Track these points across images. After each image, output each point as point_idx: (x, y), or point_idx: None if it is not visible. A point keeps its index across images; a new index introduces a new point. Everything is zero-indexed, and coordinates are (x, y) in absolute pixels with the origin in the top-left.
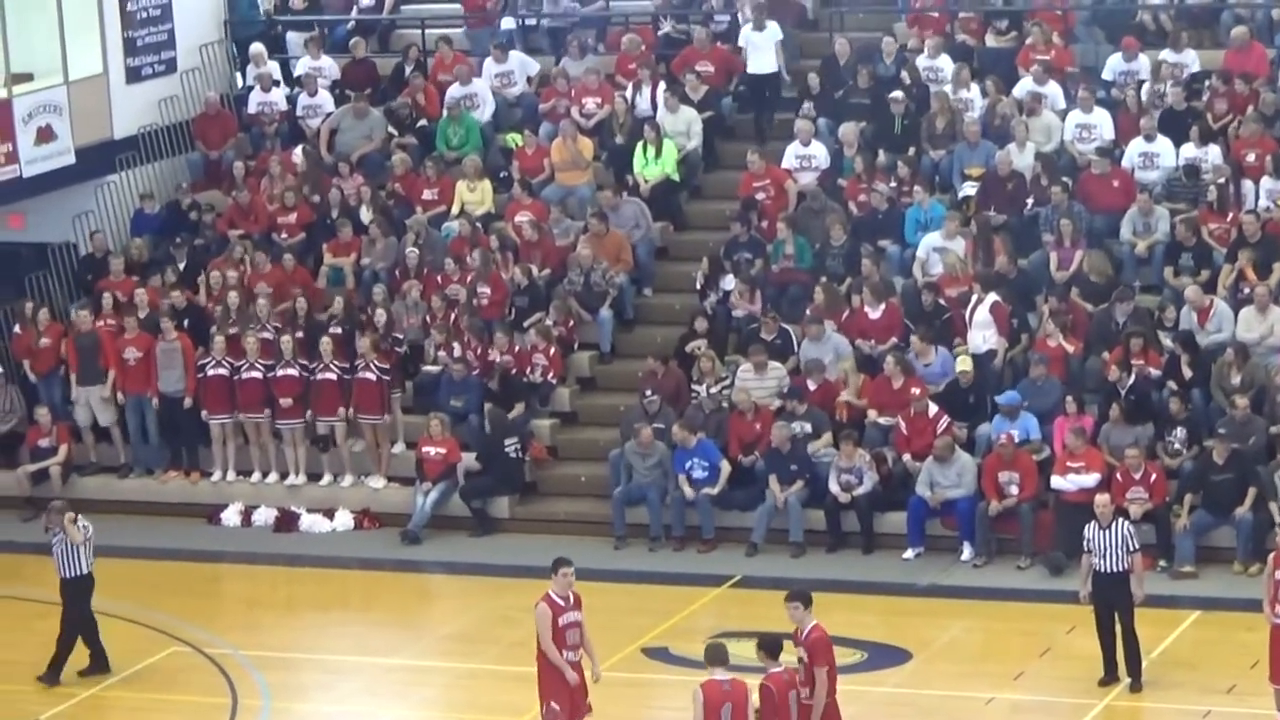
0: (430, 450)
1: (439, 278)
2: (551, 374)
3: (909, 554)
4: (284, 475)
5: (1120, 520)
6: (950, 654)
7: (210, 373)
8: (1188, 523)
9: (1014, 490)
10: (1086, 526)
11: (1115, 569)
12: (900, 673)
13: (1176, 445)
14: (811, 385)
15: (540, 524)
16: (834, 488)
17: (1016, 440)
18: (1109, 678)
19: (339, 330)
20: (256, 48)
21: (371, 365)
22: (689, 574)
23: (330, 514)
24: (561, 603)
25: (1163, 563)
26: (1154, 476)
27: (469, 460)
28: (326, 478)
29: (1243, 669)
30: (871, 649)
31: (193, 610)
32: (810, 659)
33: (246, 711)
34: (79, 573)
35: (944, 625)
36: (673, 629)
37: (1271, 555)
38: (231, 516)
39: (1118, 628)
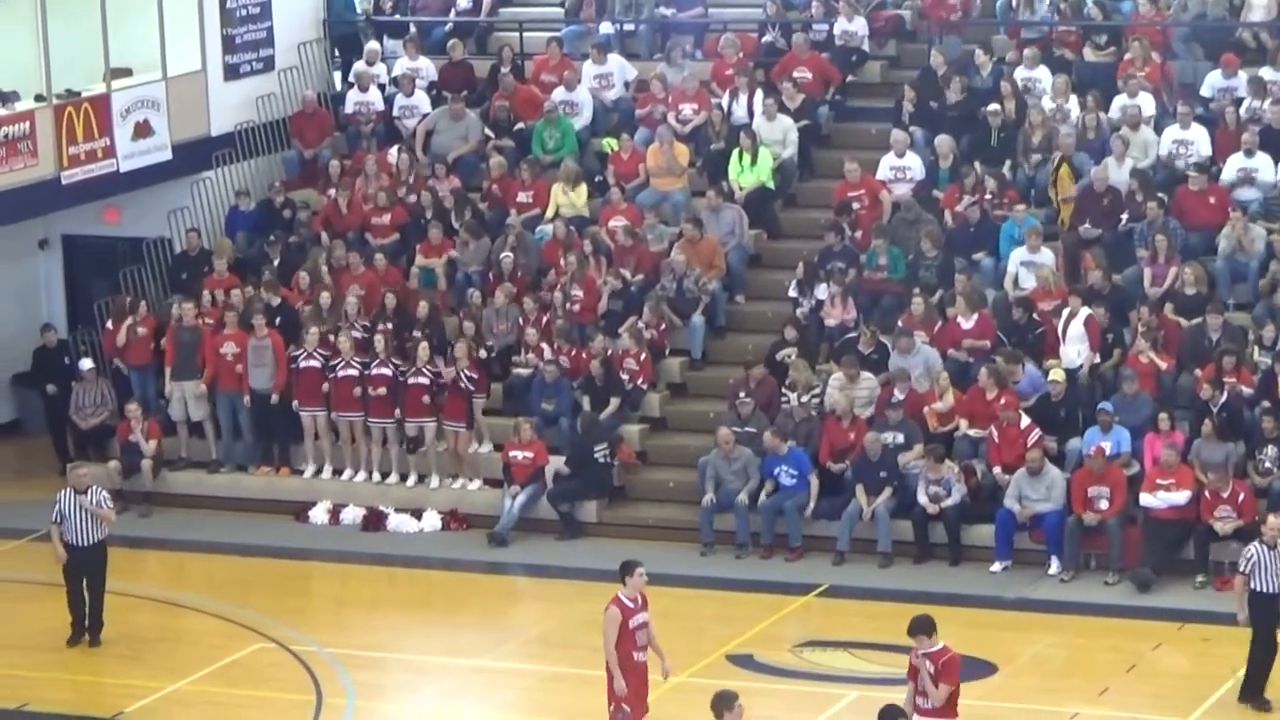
0: (518, 454)
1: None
2: (642, 379)
3: (996, 567)
4: (373, 475)
5: None
6: (1035, 668)
7: (303, 365)
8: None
9: (1103, 505)
10: (1249, 547)
11: (1277, 589)
12: (985, 686)
13: (1268, 464)
14: (899, 395)
15: (628, 529)
16: (922, 499)
17: (1107, 455)
18: (1260, 701)
19: (430, 333)
20: (372, 46)
21: (461, 374)
22: (775, 582)
23: (418, 514)
24: (631, 605)
25: None
26: (1242, 495)
27: (557, 463)
28: (414, 478)
29: None
30: None
31: (280, 607)
32: (937, 676)
33: (331, 710)
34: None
35: (1030, 639)
36: (758, 636)
37: None
38: (320, 514)
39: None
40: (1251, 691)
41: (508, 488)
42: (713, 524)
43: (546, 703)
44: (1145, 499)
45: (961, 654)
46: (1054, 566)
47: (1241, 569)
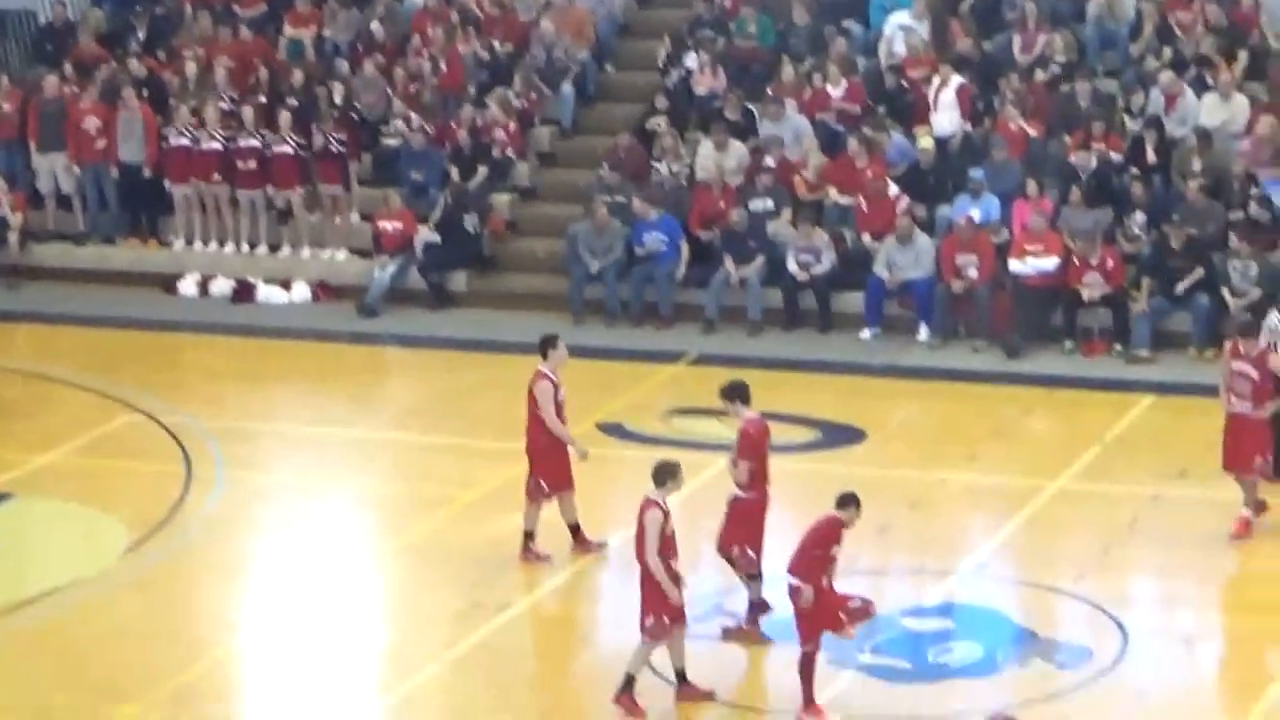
0: (387, 225)
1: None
2: (511, 149)
3: (865, 334)
4: (242, 246)
5: None
6: (904, 434)
7: (173, 143)
8: (1145, 308)
9: (972, 273)
10: (1270, 316)
11: None
12: (854, 452)
13: (1135, 230)
14: (770, 162)
15: (497, 298)
16: (792, 266)
17: (976, 222)
18: None
19: (296, 104)
20: None
21: (331, 138)
22: (645, 350)
23: (287, 285)
24: (557, 378)
25: (1118, 347)
26: (1110, 262)
27: (427, 233)
28: (285, 249)
29: (1195, 454)
30: (826, 428)
31: (149, 379)
32: (736, 451)
33: (201, 481)
34: None
35: (898, 406)
36: (628, 404)
37: (1227, 344)
38: (189, 286)
39: None
40: None
41: (377, 258)
42: (583, 293)
43: (418, 472)
44: (1014, 266)
45: (830, 421)
46: (923, 333)
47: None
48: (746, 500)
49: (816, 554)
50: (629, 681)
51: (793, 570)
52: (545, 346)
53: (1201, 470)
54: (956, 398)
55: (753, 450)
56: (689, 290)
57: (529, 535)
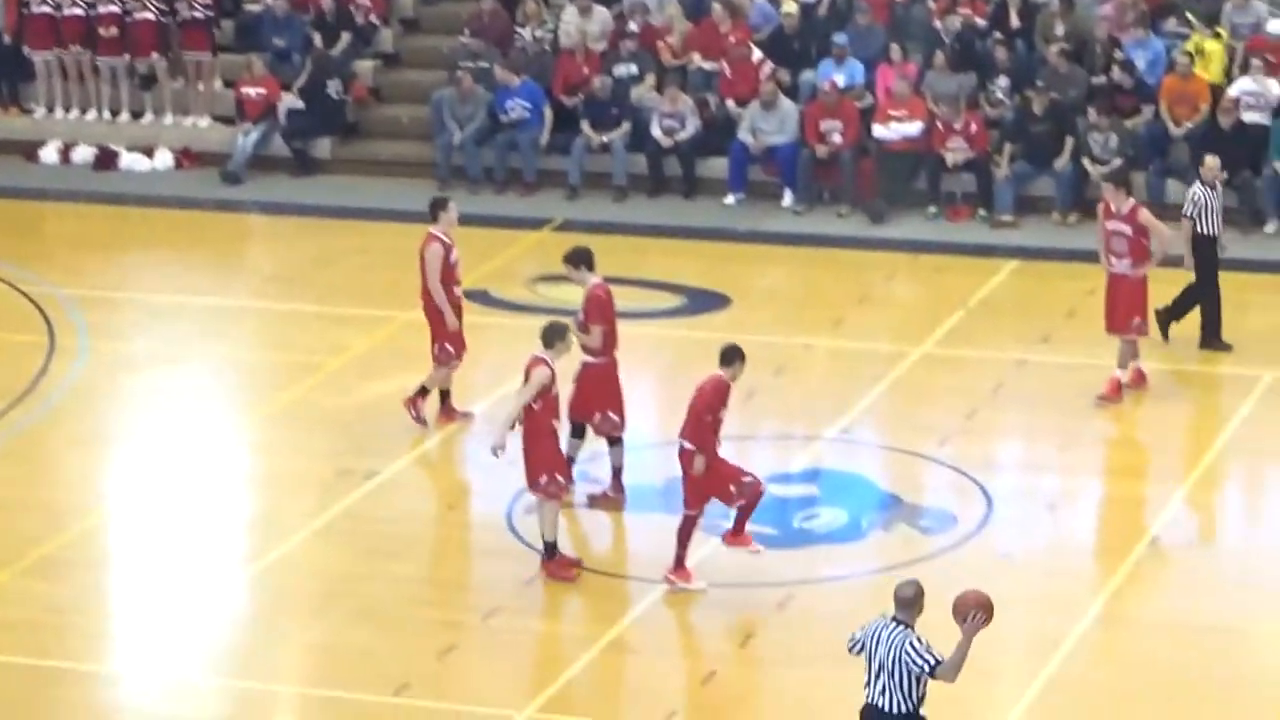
0: (250, 91)
1: None
2: (374, 14)
3: (730, 199)
4: (104, 113)
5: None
6: (769, 301)
7: (34, 9)
8: (1008, 172)
9: (836, 138)
10: (1192, 188)
11: (1217, 230)
12: (718, 318)
13: (999, 95)
14: (634, 28)
15: (361, 165)
16: (656, 133)
17: (840, 87)
18: (1220, 344)
19: None
20: None
21: (194, 4)
22: (510, 216)
23: (150, 153)
24: (449, 240)
25: (982, 212)
26: (974, 126)
27: (290, 100)
28: (148, 116)
29: (1059, 319)
30: (690, 293)
31: (10, 248)
32: (585, 314)
33: (64, 351)
34: None
35: (763, 272)
36: (493, 271)
37: (1100, 205)
38: (50, 154)
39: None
40: (1210, 336)
41: (240, 125)
42: (449, 160)
43: (281, 339)
44: (878, 131)
45: (695, 286)
46: (787, 199)
47: (1186, 213)
48: (600, 365)
49: (707, 419)
50: (550, 548)
51: (685, 435)
52: (436, 209)
53: (1065, 335)
54: (821, 263)
55: (603, 314)
56: (553, 157)
57: (444, 394)
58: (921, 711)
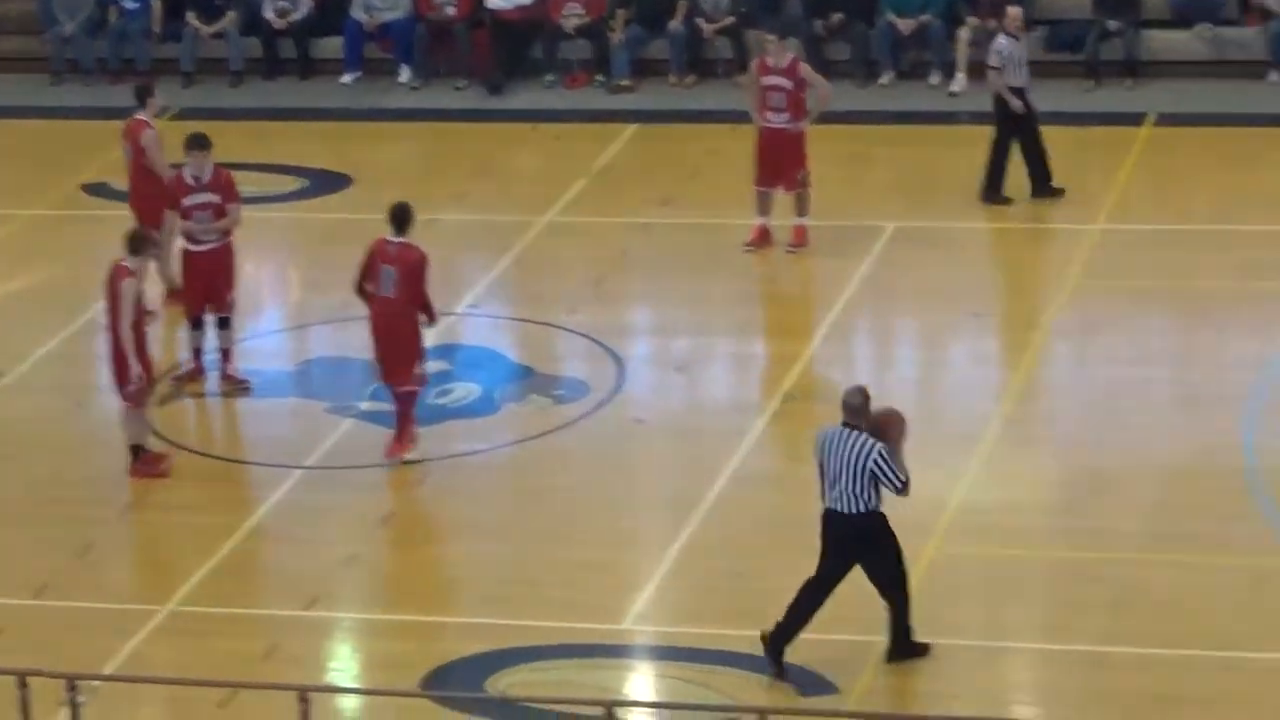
0: None
1: None
2: None
3: (347, 78)
4: None
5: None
6: (391, 178)
7: None
8: (623, 36)
9: (450, 10)
10: (998, 39)
11: (1024, 81)
12: (342, 198)
13: None
14: None
15: None
16: (268, 14)
17: None
18: (1000, 197)
19: None
20: None
21: None
22: (125, 107)
23: None
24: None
25: (599, 77)
26: None
27: None
28: None
29: (680, 181)
30: (313, 175)
31: None
32: (224, 199)
33: None
34: None
35: (384, 149)
36: (112, 164)
37: (754, 61)
38: None
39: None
40: (992, 189)
41: None
42: (62, 53)
43: None
44: (491, 1)
45: (317, 168)
46: (404, 75)
47: (992, 63)
48: (214, 249)
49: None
50: (135, 451)
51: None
52: (143, 95)
53: (688, 197)
54: (441, 138)
55: (232, 192)
56: (167, 45)
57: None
58: (881, 509)
